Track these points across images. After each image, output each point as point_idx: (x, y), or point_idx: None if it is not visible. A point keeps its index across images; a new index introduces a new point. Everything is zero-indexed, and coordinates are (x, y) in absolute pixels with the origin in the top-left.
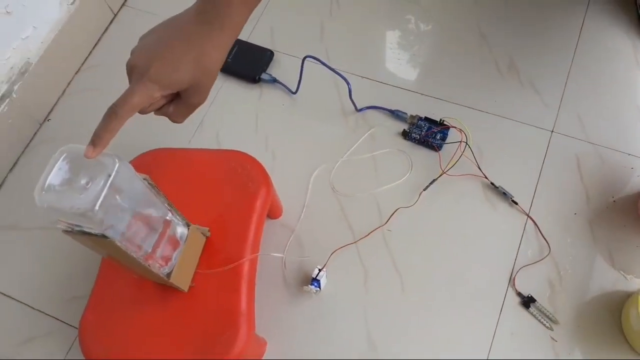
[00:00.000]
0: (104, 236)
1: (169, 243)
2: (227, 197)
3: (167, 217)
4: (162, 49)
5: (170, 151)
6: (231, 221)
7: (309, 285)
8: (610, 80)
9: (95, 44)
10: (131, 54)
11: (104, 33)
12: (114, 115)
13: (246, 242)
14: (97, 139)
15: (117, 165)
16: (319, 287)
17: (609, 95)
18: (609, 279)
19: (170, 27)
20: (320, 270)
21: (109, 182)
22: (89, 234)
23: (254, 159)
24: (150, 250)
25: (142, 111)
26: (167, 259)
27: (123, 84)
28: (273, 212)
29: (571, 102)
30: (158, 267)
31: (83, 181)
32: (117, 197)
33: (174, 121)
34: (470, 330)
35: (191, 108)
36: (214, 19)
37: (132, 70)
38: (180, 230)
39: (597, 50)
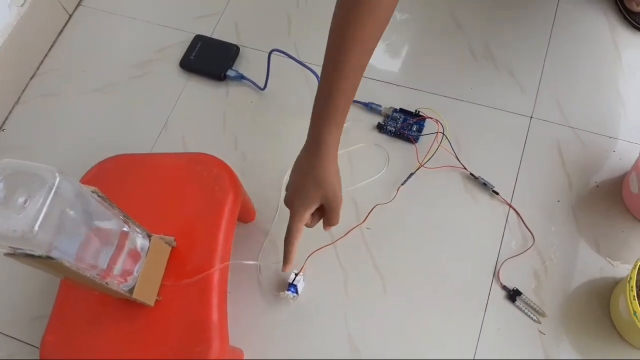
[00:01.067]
0: (49, 257)
1: (128, 257)
2: (194, 203)
3: (124, 230)
4: (294, 186)
5: (131, 157)
6: (199, 229)
7: (286, 291)
8: (588, 63)
9: (51, 47)
10: (286, 190)
11: (59, 35)
12: (288, 242)
13: (215, 250)
14: (287, 260)
15: (57, 180)
16: (297, 293)
17: (587, 78)
18: (596, 266)
19: (296, 169)
20: (296, 274)
21: (49, 199)
22: (33, 256)
23: (221, 161)
24: (105, 267)
25: (308, 226)
26: (127, 273)
27: (82, 87)
28: (245, 216)
29: (549, 86)
30: (117, 284)
31: (21, 199)
32: (61, 214)
33: (331, 224)
34: (456, 328)
35: (335, 211)
36: (315, 150)
37: (288, 206)
38: (141, 242)
39: (573, 32)
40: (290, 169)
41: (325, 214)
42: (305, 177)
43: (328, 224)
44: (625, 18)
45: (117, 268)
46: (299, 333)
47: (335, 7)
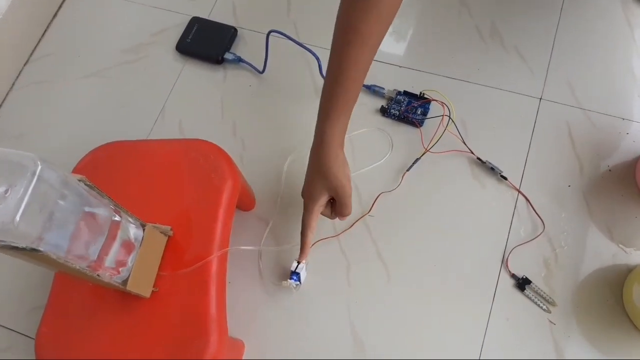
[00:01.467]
0: (34, 250)
1: (121, 247)
2: (190, 191)
3: (115, 219)
4: (305, 180)
5: (126, 144)
6: (196, 217)
7: (288, 280)
8: (599, 42)
9: (44, 32)
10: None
11: (53, 19)
12: (302, 234)
13: (213, 239)
14: (303, 250)
15: (39, 168)
16: (299, 281)
17: (599, 57)
18: (608, 253)
19: (308, 164)
20: (299, 262)
21: (31, 188)
22: (17, 248)
23: (218, 147)
24: (96, 259)
25: (328, 217)
26: (121, 264)
27: (76, 72)
28: (244, 204)
29: (559, 66)
30: (109, 276)
31: (1, 189)
32: (45, 204)
33: (343, 215)
34: (462, 318)
35: (343, 203)
36: (319, 144)
37: (304, 203)
38: (134, 231)
39: (584, 10)
40: (292, 154)
41: (336, 205)
42: (312, 171)
43: (339, 214)
44: None
45: (109, 259)
46: (302, 323)
47: (340, 2)
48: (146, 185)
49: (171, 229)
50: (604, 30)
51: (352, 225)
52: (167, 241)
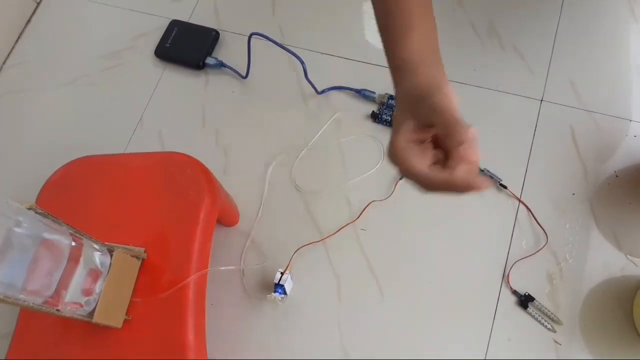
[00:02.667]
0: None
1: (87, 276)
2: (166, 209)
3: (74, 247)
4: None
5: (99, 159)
6: (172, 238)
7: (272, 294)
8: (603, 38)
9: (17, 39)
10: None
11: (26, 25)
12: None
13: (190, 260)
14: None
15: None
16: (284, 293)
17: (603, 55)
18: (616, 266)
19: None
20: (282, 273)
21: None
22: None
23: (196, 161)
24: (52, 294)
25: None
26: (86, 294)
27: (51, 81)
28: (226, 219)
29: (561, 65)
30: (72, 310)
31: None
32: None
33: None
34: (461, 339)
35: (455, 132)
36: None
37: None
38: (100, 258)
39: (587, 4)
40: (275, 160)
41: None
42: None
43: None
44: None
45: (71, 292)
46: (289, 338)
47: None
48: (119, 203)
49: (145, 251)
50: (608, 26)
51: (338, 231)
52: (142, 264)
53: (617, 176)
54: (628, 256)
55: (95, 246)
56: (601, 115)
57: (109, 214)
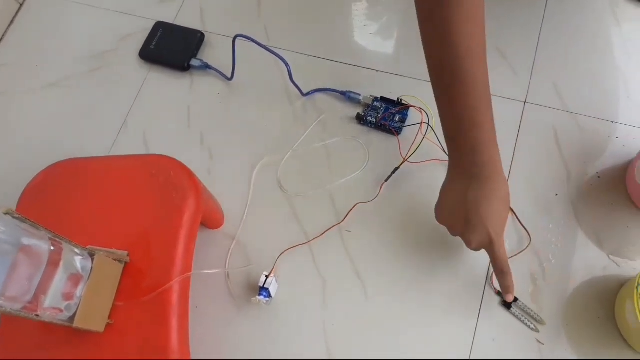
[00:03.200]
0: None
1: (68, 281)
2: (149, 212)
3: (53, 251)
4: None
5: (80, 161)
6: (155, 241)
7: (257, 297)
8: (586, 40)
9: (0, 40)
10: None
11: (9, 26)
12: (507, 273)
13: (174, 263)
14: (511, 290)
15: None
16: (269, 296)
17: (586, 57)
18: (599, 266)
19: (461, 200)
20: (267, 276)
21: None
22: None
23: (179, 163)
24: (31, 299)
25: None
26: (67, 298)
27: (34, 83)
28: (211, 222)
29: (544, 67)
30: (51, 315)
31: None
32: None
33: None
34: (446, 339)
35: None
36: (481, 181)
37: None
38: (81, 262)
39: (569, 6)
40: (261, 162)
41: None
42: (489, 203)
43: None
44: None
45: (50, 297)
46: (274, 341)
47: (421, 24)
48: (101, 206)
49: (128, 254)
50: (591, 28)
51: (324, 233)
52: (124, 268)
53: (599, 177)
54: (610, 256)
55: (76, 250)
56: (584, 117)
57: (92, 218)
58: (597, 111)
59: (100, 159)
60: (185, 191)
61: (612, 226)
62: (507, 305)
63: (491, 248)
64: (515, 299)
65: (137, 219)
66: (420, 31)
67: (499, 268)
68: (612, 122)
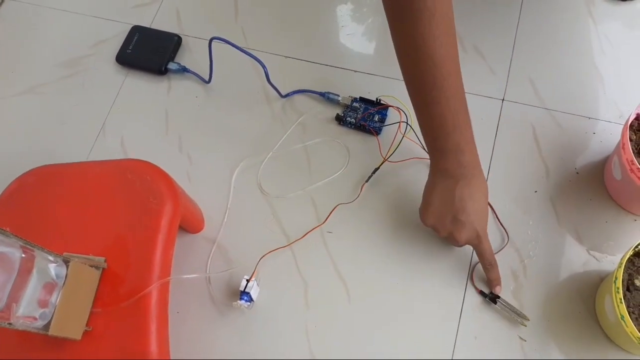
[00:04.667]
0: None
1: (42, 289)
2: (126, 217)
3: (24, 259)
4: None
5: (57, 168)
6: (133, 246)
7: (238, 301)
8: (562, 37)
9: None
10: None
11: None
12: (494, 265)
13: (152, 268)
14: (499, 282)
15: None
16: (251, 300)
17: (562, 54)
18: (579, 261)
19: (449, 199)
20: (248, 280)
21: None
22: None
23: (156, 167)
24: (2, 307)
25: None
26: (43, 304)
27: (9, 90)
28: (190, 226)
29: (521, 64)
30: (25, 323)
31: None
32: None
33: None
34: (428, 338)
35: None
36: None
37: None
38: (55, 270)
39: (545, 3)
40: (241, 164)
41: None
42: (472, 201)
43: (484, 263)
44: None
45: (23, 305)
46: (256, 346)
47: (392, 31)
48: (78, 212)
49: (105, 260)
50: (566, 25)
51: (305, 235)
52: (102, 274)
53: (577, 173)
54: (590, 251)
55: (50, 258)
56: (561, 113)
57: (68, 224)
58: (575, 108)
59: (75, 165)
60: (162, 195)
61: (591, 221)
62: (493, 301)
63: (479, 243)
64: (497, 296)
65: (114, 224)
66: (394, 44)
67: (487, 261)
68: (589, 118)
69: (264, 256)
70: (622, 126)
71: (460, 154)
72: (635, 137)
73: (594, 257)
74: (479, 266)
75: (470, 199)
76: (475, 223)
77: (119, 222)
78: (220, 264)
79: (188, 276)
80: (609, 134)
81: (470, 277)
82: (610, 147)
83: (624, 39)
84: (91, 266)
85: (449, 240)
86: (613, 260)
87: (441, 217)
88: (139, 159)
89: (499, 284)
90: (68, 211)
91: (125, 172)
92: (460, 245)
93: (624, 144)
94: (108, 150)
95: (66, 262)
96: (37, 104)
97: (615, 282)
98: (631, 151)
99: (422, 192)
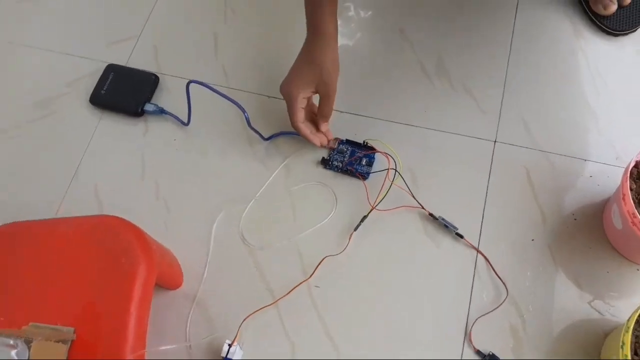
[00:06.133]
0: None
1: None
2: (97, 281)
3: None
4: (290, 73)
5: (22, 226)
6: (104, 314)
7: None
8: (553, 75)
9: None
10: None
11: None
12: (296, 127)
13: (125, 339)
14: (311, 140)
15: None
16: None
17: (554, 92)
18: (580, 315)
19: (296, 61)
20: (230, 345)
21: None
22: None
23: (129, 224)
24: None
25: (307, 117)
26: None
27: None
28: (168, 282)
29: (513, 104)
30: None
31: None
32: None
33: (325, 115)
34: None
35: (328, 98)
36: (314, 39)
37: (283, 94)
38: (17, 354)
39: (536, 41)
40: (221, 213)
41: (319, 102)
42: (301, 63)
43: (321, 114)
44: (592, 22)
45: None
46: None
47: None
48: (45, 276)
49: (74, 331)
50: (557, 62)
51: (290, 291)
52: (71, 346)
53: (575, 219)
54: (591, 304)
55: (10, 342)
56: (556, 155)
57: (34, 289)
58: (569, 149)
59: (42, 223)
60: (135, 255)
61: (591, 271)
62: None
63: (327, 91)
64: (496, 358)
65: (84, 289)
66: None
67: (326, 113)
68: (585, 160)
69: (247, 318)
70: (619, 168)
71: (324, 25)
72: (635, 186)
73: (596, 309)
74: (477, 324)
75: (326, 57)
76: (327, 72)
77: (89, 287)
78: (200, 326)
79: (166, 347)
80: (606, 176)
81: (468, 335)
82: (608, 191)
83: (617, 76)
84: (58, 341)
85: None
86: (614, 313)
87: (301, 68)
88: (110, 215)
89: (324, 139)
90: (33, 275)
91: (95, 230)
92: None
93: (624, 195)
94: (81, 199)
95: (28, 342)
96: (6, 148)
97: (622, 347)
98: (632, 202)
99: (413, 243)
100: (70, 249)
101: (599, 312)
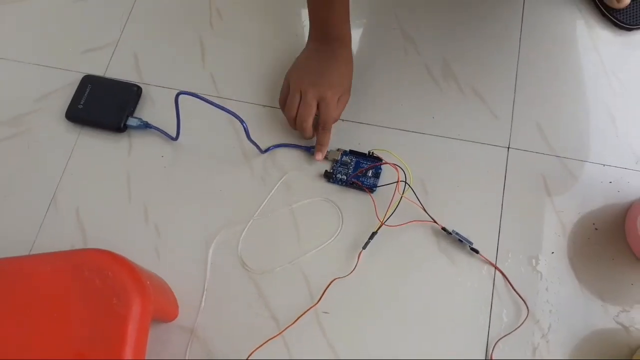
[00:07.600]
0: None
1: None
2: (85, 327)
3: None
4: (318, 74)
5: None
6: None
7: None
8: (567, 73)
9: None
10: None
11: None
12: (328, 130)
13: None
14: (324, 148)
15: None
16: None
17: (568, 94)
18: (605, 330)
19: (305, 66)
20: None
21: None
22: None
23: (118, 258)
24: None
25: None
26: None
27: None
28: (162, 315)
29: (525, 107)
30: None
31: None
32: None
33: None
34: None
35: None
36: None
37: (308, 94)
38: None
39: (546, 38)
40: (218, 236)
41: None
42: (331, 67)
43: (324, 121)
44: (604, 16)
45: None
46: None
47: None
48: (24, 325)
49: None
50: (571, 60)
51: (297, 319)
52: None
53: (596, 229)
54: (616, 319)
55: None
56: (573, 160)
57: (11, 342)
58: (586, 153)
59: (17, 260)
60: (127, 294)
61: (615, 285)
62: None
63: (324, 103)
64: None
65: (71, 338)
66: None
67: (323, 124)
68: (604, 165)
69: (251, 354)
70: None
71: (330, 28)
72: None
73: (621, 324)
74: (498, 345)
75: (332, 67)
76: (327, 85)
77: (76, 336)
78: None
79: None
80: (627, 182)
81: (489, 357)
82: (629, 197)
83: (633, 74)
84: None
85: (295, 99)
86: None
87: (301, 75)
88: (95, 248)
89: (322, 150)
90: (10, 322)
91: (81, 268)
92: (308, 101)
93: None
94: (61, 226)
95: None
96: None
97: None
98: None
99: (426, 260)
100: (52, 292)
101: (624, 327)
